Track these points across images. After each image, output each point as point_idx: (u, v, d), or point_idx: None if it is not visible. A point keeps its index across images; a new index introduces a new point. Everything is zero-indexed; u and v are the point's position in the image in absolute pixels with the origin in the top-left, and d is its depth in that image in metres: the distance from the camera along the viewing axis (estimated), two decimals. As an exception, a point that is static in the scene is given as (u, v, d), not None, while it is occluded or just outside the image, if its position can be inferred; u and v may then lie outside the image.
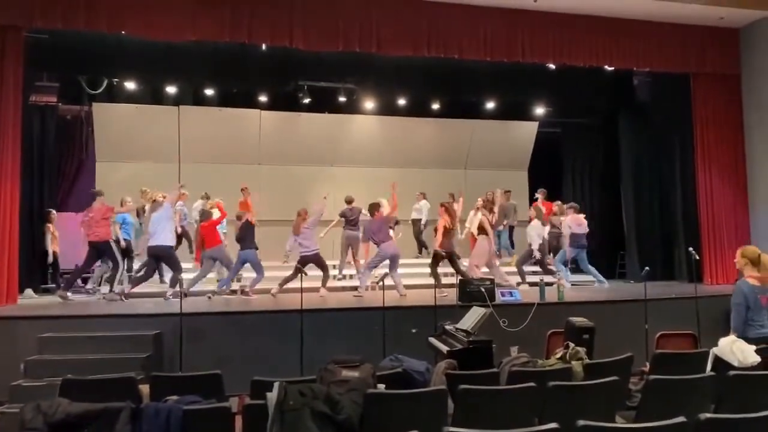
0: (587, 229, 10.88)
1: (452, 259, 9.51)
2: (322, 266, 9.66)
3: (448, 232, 9.42)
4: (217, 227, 9.96)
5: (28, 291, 9.88)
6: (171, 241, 9.15)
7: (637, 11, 10.39)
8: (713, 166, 11.16)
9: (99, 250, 9.19)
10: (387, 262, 9.45)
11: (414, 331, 6.91)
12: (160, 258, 9.16)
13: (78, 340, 6.75)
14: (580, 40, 10.42)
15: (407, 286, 9.96)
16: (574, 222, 10.67)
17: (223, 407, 3.57)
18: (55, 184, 12.52)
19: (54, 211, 11.03)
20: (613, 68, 11.15)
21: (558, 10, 10.23)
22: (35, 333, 6.75)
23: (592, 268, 10.83)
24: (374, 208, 9.72)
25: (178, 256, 9.48)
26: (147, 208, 10.29)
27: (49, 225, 10.82)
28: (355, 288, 9.95)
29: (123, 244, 10.47)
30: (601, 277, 10.78)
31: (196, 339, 6.85)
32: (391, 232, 10.02)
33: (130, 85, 12.00)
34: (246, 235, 9.49)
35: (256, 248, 9.63)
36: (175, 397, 3.63)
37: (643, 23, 10.62)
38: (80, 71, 11.61)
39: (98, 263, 10.22)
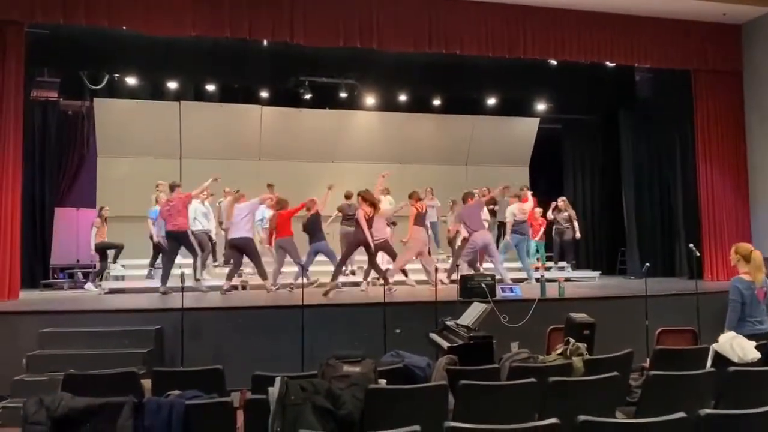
0: (526, 218, 10.84)
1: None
2: (392, 255, 9.68)
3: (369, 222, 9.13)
4: (257, 220, 9.98)
5: (89, 285, 10.49)
6: (250, 233, 9.33)
7: (639, 7, 10.38)
8: (714, 163, 11.15)
9: (177, 240, 9.19)
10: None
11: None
12: (241, 250, 9.28)
13: (79, 335, 6.76)
14: (581, 36, 10.40)
15: (407, 283, 10.00)
16: (519, 210, 10.63)
17: (225, 402, 3.58)
18: (56, 179, 12.55)
19: (107, 208, 10.98)
20: (614, 64, 11.14)
21: (559, 6, 10.20)
22: (37, 328, 6.75)
23: (526, 261, 10.64)
24: (468, 195, 9.61)
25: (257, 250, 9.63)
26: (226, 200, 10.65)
27: (97, 219, 10.84)
28: (357, 284, 9.97)
29: (155, 239, 10.55)
30: (532, 273, 10.39)
31: (197, 334, 6.86)
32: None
33: (131, 81, 12.00)
34: (315, 227, 9.60)
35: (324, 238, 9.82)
36: (176, 392, 3.63)
37: (644, 19, 10.61)
38: (81, 66, 11.60)
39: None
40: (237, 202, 9.56)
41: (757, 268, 5.26)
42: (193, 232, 10.06)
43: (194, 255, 9.45)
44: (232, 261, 9.55)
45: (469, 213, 9.44)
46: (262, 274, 9.33)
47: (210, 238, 10.80)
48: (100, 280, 10.66)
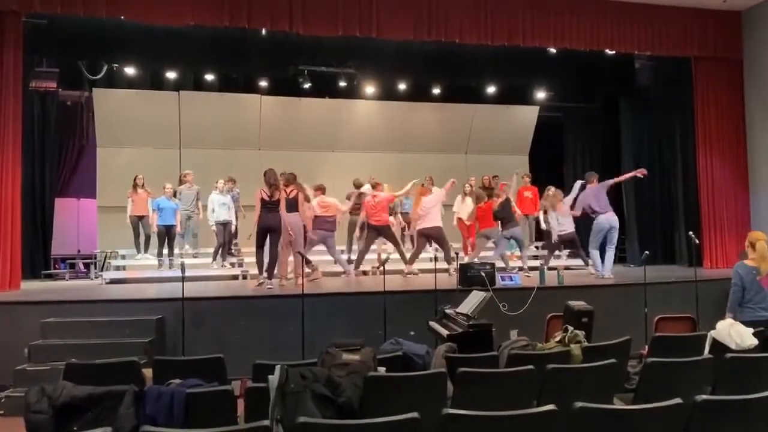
0: None
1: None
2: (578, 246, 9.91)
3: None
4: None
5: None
6: (439, 221, 9.84)
7: (639, -6, 10.35)
8: (714, 150, 11.14)
9: (380, 232, 9.93)
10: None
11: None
12: (431, 237, 9.78)
13: (81, 325, 6.80)
14: (580, 24, 10.36)
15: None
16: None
17: (226, 390, 3.60)
18: (56, 169, 12.55)
19: (140, 176, 11.09)
20: (614, 52, 11.09)
21: (559, -6, 10.18)
22: (38, 318, 6.79)
23: None
24: (591, 176, 9.46)
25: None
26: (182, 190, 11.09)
27: (130, 190, 10.94)
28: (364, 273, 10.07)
29: (155, 229, 10.66)
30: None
31: (197, 323, 6.90)
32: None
33: (130, 71, 11.97)
34: (507, 213, 9.78)
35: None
36: (177, 381, 3.66)
37: (644, 6, 10.56)
38: (79, 56, 11.58)
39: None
40: (423, 195, 10.09)
41: (761, 257, 5.42)
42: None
43: (397, 244, 10.14)
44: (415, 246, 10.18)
45: (595, 194, 9.12)
46: (449, 260, 9.62)
47: (226, 228, 10.93)
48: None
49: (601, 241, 9.03)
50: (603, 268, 9.02)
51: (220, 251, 10.92)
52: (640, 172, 9.24)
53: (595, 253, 9.11)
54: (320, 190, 9.76)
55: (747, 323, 4.80)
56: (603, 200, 9.01)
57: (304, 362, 4.12)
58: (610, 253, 9.05)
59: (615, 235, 8.99)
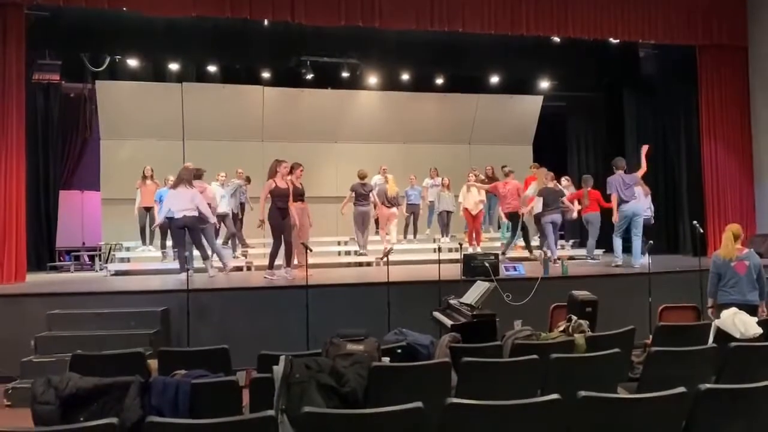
0: None
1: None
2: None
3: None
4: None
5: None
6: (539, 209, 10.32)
7: (643, -18, 10.27)
8: (718, 139, 11.09)
9: (513, 219, 10.27)
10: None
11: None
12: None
13: (86, 317, 6.82)
14: (584, 13, 10.31)
15: (411, 262, 10.05)
16: None
17: (231, 381, 3.61)
18: (60, 162, 12.57)
19: (149, 167, 11.02)
20: (618, 41, 11.03)
21: (562, -18, 10.11)
22: (44, 310, 6.82)
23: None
24: (620, 162, 9.42)
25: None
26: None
27: (138, 181, 10.89)
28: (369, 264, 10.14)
29: (159, 220, 10.56)
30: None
31: (202, 315, 6.92)
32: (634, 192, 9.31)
33: (133, 63, 11.97)
34: (551, 200, 10.28)
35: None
36: (182, 372, 3.67)
37: (649, -6, 10.50)
38: (82, 49, 11.57)
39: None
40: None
41: (723, 245, 5.91)
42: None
43: (524, 230, 10.37)
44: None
45: (623, 182, 9.09)
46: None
47: (226, 220, 10.77)
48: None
49: (624, 229, 9.14)
50: (628, 257, 9.10)
51: (229, 242, 10.90)
52: (644, 152, 9.29)
53: (616, 241, 9.23)
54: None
55: (721, 305, 4.98)
56: (629, 189, 9.07)
57: (308, 353, 4.14)
58: (637, 241, 9.05)
59: (639, 222, 9.08)
